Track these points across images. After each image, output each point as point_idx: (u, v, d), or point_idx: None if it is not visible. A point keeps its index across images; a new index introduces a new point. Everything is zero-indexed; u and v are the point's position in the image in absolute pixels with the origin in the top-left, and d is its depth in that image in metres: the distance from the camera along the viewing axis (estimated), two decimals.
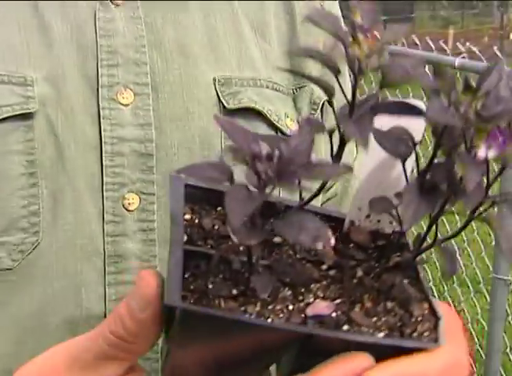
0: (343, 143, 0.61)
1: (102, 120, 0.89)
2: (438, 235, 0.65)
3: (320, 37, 0.99)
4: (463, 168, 0.55)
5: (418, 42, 3.52)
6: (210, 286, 0.62)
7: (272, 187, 0.54)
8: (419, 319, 0.64)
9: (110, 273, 0.89)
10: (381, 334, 0.62)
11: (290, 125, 0.97)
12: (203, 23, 0.95)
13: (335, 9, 1.06)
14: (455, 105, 0.56)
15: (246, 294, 0.62)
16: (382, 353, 0.61)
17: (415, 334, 0.63)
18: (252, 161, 0.54)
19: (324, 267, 0.67)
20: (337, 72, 0.57)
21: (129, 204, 0.89)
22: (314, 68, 0.98)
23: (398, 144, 0.63)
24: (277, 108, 0.96)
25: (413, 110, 0.63)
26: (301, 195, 0.60)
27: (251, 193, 0.53)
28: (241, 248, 0.66)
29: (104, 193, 0.89)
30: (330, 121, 1.00)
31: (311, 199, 0.61)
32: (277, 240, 0.68)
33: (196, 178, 0.55)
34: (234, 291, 0.62)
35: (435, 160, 0.61)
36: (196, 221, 0.68)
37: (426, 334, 0.63)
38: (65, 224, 0.88)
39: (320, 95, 1.00)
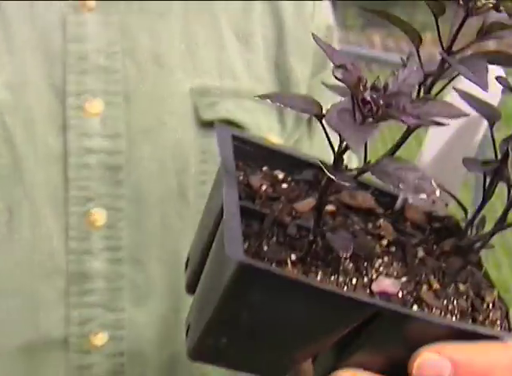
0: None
1: (67, 130, 0.81)
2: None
3: (309, 46, 0.93)
4: None
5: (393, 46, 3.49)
6: (265, 248, 0.53)
7: (376, 119, 0.46)
8: (490, 306, 0.57)
9: (73, 294, 0.80)
10: (453, 318, 0.54)
11: (273, 140, 0.90)
12: (183, 30, 0.88)
13: (326, 11, 1.00)
14: None
15: (306, 261, 0.53)
16: (451, 338, 0.53)
17: (487, 322, 0.56)
18: (359, 87, 0.45)
19: (384, 242, 0.59)
20: None
21: (95, 219, 0.81)
22: (302, 79, 0.92)
23: (487, 107, 0.56)
24: (258, 121, 0.89)
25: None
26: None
27: (359, 121, 0.45)
28: (294, 212, 0.57)
29: (68, 208, 0.80)
30: (318, 138, 0.94)
31: (396, 149, 0.53)
32: (330, 208, 0.60)
33: (288, 106, 0.46)
34: (293, 257, 0.53)
35: None
36: (242, 178, 0.59)
37: (498, 322, 0.56)
38: (21, 239, 0.79)
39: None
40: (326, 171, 0.46)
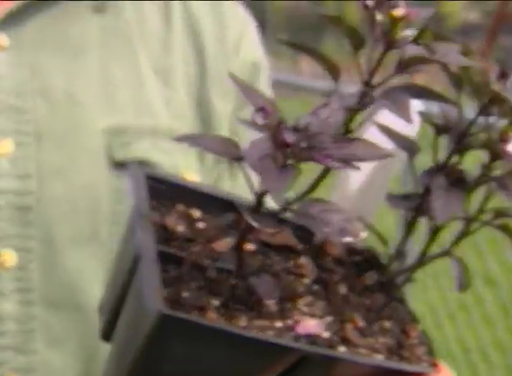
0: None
1: None
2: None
3: (230, 83, 0.92)
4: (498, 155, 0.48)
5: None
6: (185, 294, 0.50)
7: (297, 161, 0.44)
8: (415, 341, 0.56)
9: None
10: (380, 356, 0.53)
11: (192, 178, 0.89)
12: (99, 68, 0.86)
13: (254, 46, 0.99)
14: (489, 93, 0.50)
15: (228, 305, 0.51)
16: None
17: (413, 357, 0.55)
18: (280, 129, 0.43)
19: (306, 281, 0.57)
20: None
21: (5, 260, 0.79)
22: (224, 116, 0.91)
23: (406, 140, 0.55)
24: (175, 159, 0.87)
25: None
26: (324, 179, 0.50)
27: (281, 164, 0.43)
28: (212, 254, 0.55)
29: None
30: (241, 177, 0.93)
31: (315, 186, 0.51)
32: (250, 247, 0.58)
33: (206, 149, 0.44)
34: (214, 302, 0.51)
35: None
36: (157, 220, 0.56)
37: (424, 358, 0.55)
38: None
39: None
40: (246, 217, 0.44)
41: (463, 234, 0.59)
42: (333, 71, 0.52)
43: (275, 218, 0.47)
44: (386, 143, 0.57)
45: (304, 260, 0.58)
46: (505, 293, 2.42)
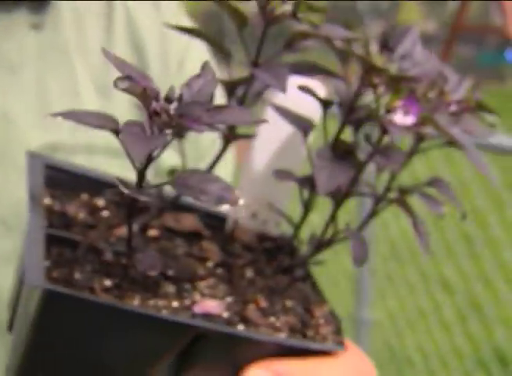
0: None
1: None
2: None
3: None
4: (386, 127, 0.48)
5: None
6: (77, 276, 0.50)
7: (172, 130, 0.44)
8: (320, 321, 0.56)
9: None
10: (282, 335, 0.53)
11: None
12: (35, 86, 0.85)
13: (201, 57, 1.00)
14: (368, 64, 0.50)
15: (122, 286, 0.51)
16: (280, 355, 0.52)
17: (318, 337, 0.54)
18: (149, 98, 0.44)
19: (210, 264, 0.57)
20: None
21: None
22: None
23: (300, 119, 0.56)
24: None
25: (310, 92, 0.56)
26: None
27: (149, 133, 0.43)
28: (112, 238, 0.55)
29: None
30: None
31: (214, 163, 0.51)
32: (154, 233, 0.58)
33: (82, 123, 0.44)
34: (108, 283, 0.51)
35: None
36: (57, 208, 0.56)
37: (330, 337, 0.55)
38: None
39: (164, 163, 0.91)
40: (122, 188, 0.44)
41: (371, 214, 0.59)
42: (226, 55, 0.53)
43: (156, 191, 0.47)
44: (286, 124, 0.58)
45: (208, 245, 0.58)
46: (461, 299, 2.42)
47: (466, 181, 2.14)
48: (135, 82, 0.43)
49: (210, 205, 0.45)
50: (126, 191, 0.44)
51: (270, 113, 0.58)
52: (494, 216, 2.09)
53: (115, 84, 0.42)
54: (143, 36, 0.93)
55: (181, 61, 0.94)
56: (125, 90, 0.42)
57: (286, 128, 0.59)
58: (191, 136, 0.86)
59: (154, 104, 0.44)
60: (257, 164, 0.62)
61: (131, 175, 0.87)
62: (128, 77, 0.43)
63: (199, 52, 0.97)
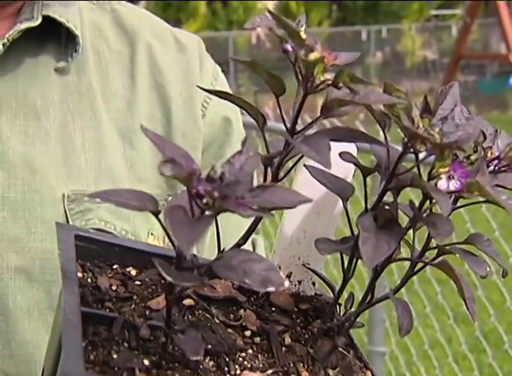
0: None
1: None
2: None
3: (198, 140, 0.91)
4: (433, 196, 0.47)
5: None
6: (115, 356, 0.49)
7: (214, 212, 0.43)
8: None
9: None
10: None
11: (154, 242, 0.86)
12: (59, 133, 0.84)
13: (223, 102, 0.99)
14: (412, 133, 0.49)
15: (161, 365, 0.49)
16: None
17: None
18: (192, 181, 0.42)
19: (248, 333, 0.55)
20: None
21: None
22: None
23: (338, 182, 0.54)
24: (135, 226, 0.85)
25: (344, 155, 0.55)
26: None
27: (193, 216, 0.42)
28: (147, 312, 0.53)
29: None
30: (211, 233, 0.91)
31: (247, 237, 0.50)
32: (188, 302, 0.56)
33: (119, 205, 0.43)
34: (146, 362, 0.49)
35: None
36: (89, 280, 0.55)
37: None
38: None
39: None
40: (163, 273, 0.42)
41: (408, 276, 0.58)
42: (257, 115, 0.51)
43: (196, 271, 0.46)
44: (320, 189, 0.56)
45: (245, 312, 0.57)
46: (476, 330, 2.41)
47: (478, 210, 2.13)
48: (178, 166, 0.42)
49: (255, 288, 0.43)
50: (168, 278, 0.42)
51: (304, 174, 0.56)
52: (509, 244, 2.08)
53: (160, 170, 0.41)
54: (166, 78, 0.91)
55: (205, 105, 0.93)
56: (171, 176, 0.41)
57: (319, 189, 0.57)
58: None
59: (197, 186, 0.42)
60: (291, 225, 0.60)
61: (152, 223, 0.85)
62: (171, 161, 0.41)
63: (224, 89, 0.96)
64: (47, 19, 0.84)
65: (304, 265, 0.61)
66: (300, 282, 0.62)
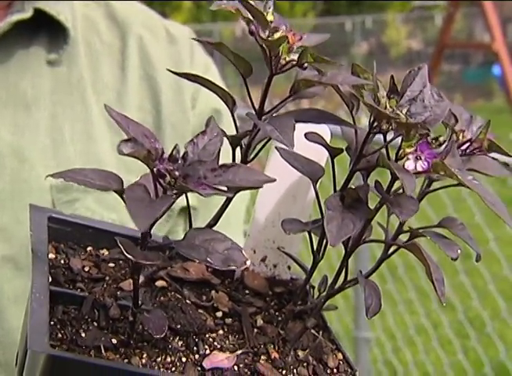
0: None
1: None
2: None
3: (187, 131, 0.91)
4: (397, 175, 0.47)
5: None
6: (83, 334, 0.49)
7: (176, 192, 0.43)
8: (334, 371, 0.54)
9: None
10: None
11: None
12: (49, 124, 0.85)
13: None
14: (377, 112, 0.49)
15: (129, 344, 0.50)
16: None
17: None
18: (154, 160, 0.43)
19: (219, 314, 0.56)
20: None
21: None
22: None
23: (309, 164, 0.55)
24: (123, 215, 0.85)
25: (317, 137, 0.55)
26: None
27: (153, 195, 0.42)
28: (119, 292, 0.54)
29: None
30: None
31: (217, 217, 0.50)
32: (160, 283, 0.56)
33: (82, 184, 0.43)
34: (114, 341, 0.49)
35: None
36: (62, 261, 0.55)
37: None
38: None
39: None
40: (125, 252, 0.42)
41: (382, 259, 0.58)
42: (226, 97, 0.52)
43: (160, 252, 0.46)
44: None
45: (217, 293, 0.57)
46: (460, 315, 2.42)
47: (461, 196, 2.13)
48: (138, 144, 0.42)
49: (217, 266, 0.44)
50: (129, 256, 0.43)
51: (277, 158, 0.57)
52: (491, 232, 2.08)
53: (119, 149, 0.41)
54: (157, 70, 0.92)
55: (195, 97, 0.93)
56: (129, 154, 0.41)
57: (294, 173, 0.58)
58: None
59: (158, 166, 0.43)
60: (266, 208, 0.60)
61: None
62: (131, 140, 0.42)
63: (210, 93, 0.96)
64: (38, 12, 0.85)
65: (278, 248, 0.61)
66: (275, 266, 0.62)
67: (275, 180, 0.45)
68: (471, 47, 9.26)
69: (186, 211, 0.91)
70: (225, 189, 0.43)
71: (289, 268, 0.62)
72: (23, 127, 0.84)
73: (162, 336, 0.46)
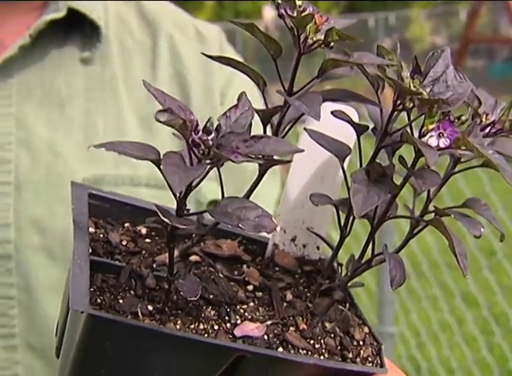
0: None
1: None
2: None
3: None
4: (420, 148, 0.49)
5: None
6: (121, 301, 0.52)
7: (210, 160, 0.46)
8: (361, 343, 0.56)
9: None
10: (321, 357, 0.54)
11: None
12: (82, 120, 0.89)
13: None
14: (400, 88, 0.51)
15: (164, 311, 0.52)
16: None
17: (358, 359, 0.55)
18: (189, 130, 0.45)
19: (250, 288, 0.58)
20: None
21: None
22: None
23: (336, 144, 0.57)
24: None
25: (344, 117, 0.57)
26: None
27: (188, 163, 0.45)
28: (154, 265, 0.57)
29: None
30: None
31: (249, 194, 0.53)
32: (194, 258, 0.59)
33: (122, 153, 0.46)
34: (150, 308, 0.52)
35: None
36: (101, 235, 0.58)
37: (370, 359, 0.56)
38: None
39: (206, 194, 0.93)
40: (161, 215, 0.45)
41: (408, 237, 0.60)
42: (257, 78, 0.54)
43: (196, 218, 0.49)
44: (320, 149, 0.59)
45: (248, 268, 0.60)
46: (484, 312, 2.42)
47: (486, 193, 2.14)
48: (175, 115, 0.45)
49: (249, 231, 0.46)
50: (165, 219, 0.45)
51: (307, 139, 0.59)
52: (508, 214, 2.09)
53: (156, 117, 0.44)
54: (187, 67, 0.95)
55: (224, 93, 0.96)
56: (165, 123, 0.44)
57: (323, 154, 0.60)
58: (235, 167, 0.88)
59: (193, 136, 0.45)
60: (296, 189, 0.63)
61: (173, 206, 0.89)
62: (168, 110, 0.45)
63: (242, 82, 0.99)
64: (72, 11, 0.88)
65: (308, 229, 0.64)
66: (305, 246, 0.64)
67: (303, 151, 0.47)
68: (496, 42, 9.23)
69: (214, 204, 0.94)
70: (257, 156, 0.45)
71: (318, 248, 0.64)
72: (57, 123, 0.88)
73: (195, 299, 0.49)
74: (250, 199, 0.51)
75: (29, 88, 0.88)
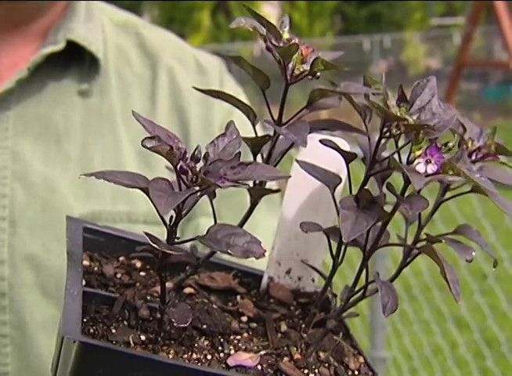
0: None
1: None
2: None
3: None
4: (406, 174, 0.50)
5: None
6: (114, 331, 0.52)
7: (199, 187, 0.47)
8: (355, 372, 0.56)
9: None
10: None
11: None
12: (79, 154, 0.88)
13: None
14: (386, 114, 0.52)
15: (157, 341, 0.52)
16: None
17: None
18: (177, 157, 0.46)
19: (244, 319, 0.58)
20: None
21: None
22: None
23: (326, 173, 0.58)
24: None
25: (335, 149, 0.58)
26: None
27: (175, 188, 0.46)
28: (148, 297, 0.57)
29: None
30: None
31: (243, 222, 0.53)
32: (188, 290, 0.59)
33: (112, 181, 0.47)
34: (142, 337, 0.52)
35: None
36: (96, 268, 0.59)
37: None
38: None
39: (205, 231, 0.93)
40: (150, 242, 0.46)
41: (402, 266, 0.60)
42: (248, 111, 0.55)
43: (190, 250, 0.49)
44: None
45: (242, 300, 0.60)
46: (477, 336, 2.39)
47: (477, 217, 2.15)
48: (162, 142, 0.46)
49: (238, 257, 0.46)
50: (154, 245, 0.46)
51: (299, 170, 0.60)
52: (506, 252, 2.09)
53: (143, 144, 0.45)
54: (186, 101, 0.94)
55: (224, 124, 0.96)
56: (152, 149, 0.45)
57: (315, 184, 0.61)
58: (235, 202, 0.87)
59: (181, 163, 0.46)
60: (290, 221, 0.63)
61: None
62: (155, 137, 0.46)
63: (242, 115, 1.00)
64: (70, 43, 0.88)
65: (302, 261, 0.64)
66: (300, 278, 0.64)
67: (289, 177, 0.48)
68: (490, 65, 9.33)
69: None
70: (244, 182, 0.46)
71: (313, 280, 0.65)
72: (54, 159, 0.87)
73: (186, 325, 0.49)
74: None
75: (26, 121, 0.87)
